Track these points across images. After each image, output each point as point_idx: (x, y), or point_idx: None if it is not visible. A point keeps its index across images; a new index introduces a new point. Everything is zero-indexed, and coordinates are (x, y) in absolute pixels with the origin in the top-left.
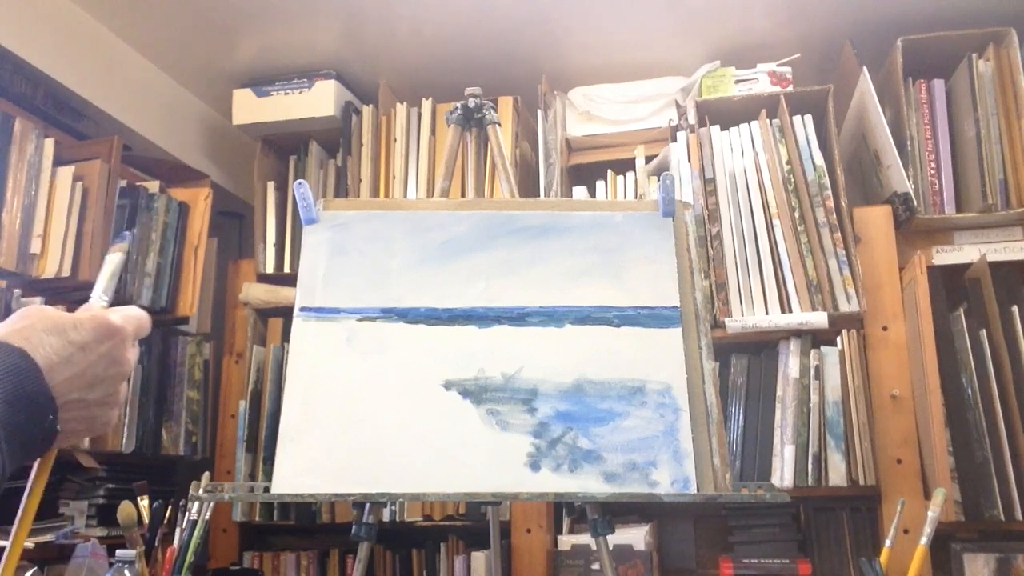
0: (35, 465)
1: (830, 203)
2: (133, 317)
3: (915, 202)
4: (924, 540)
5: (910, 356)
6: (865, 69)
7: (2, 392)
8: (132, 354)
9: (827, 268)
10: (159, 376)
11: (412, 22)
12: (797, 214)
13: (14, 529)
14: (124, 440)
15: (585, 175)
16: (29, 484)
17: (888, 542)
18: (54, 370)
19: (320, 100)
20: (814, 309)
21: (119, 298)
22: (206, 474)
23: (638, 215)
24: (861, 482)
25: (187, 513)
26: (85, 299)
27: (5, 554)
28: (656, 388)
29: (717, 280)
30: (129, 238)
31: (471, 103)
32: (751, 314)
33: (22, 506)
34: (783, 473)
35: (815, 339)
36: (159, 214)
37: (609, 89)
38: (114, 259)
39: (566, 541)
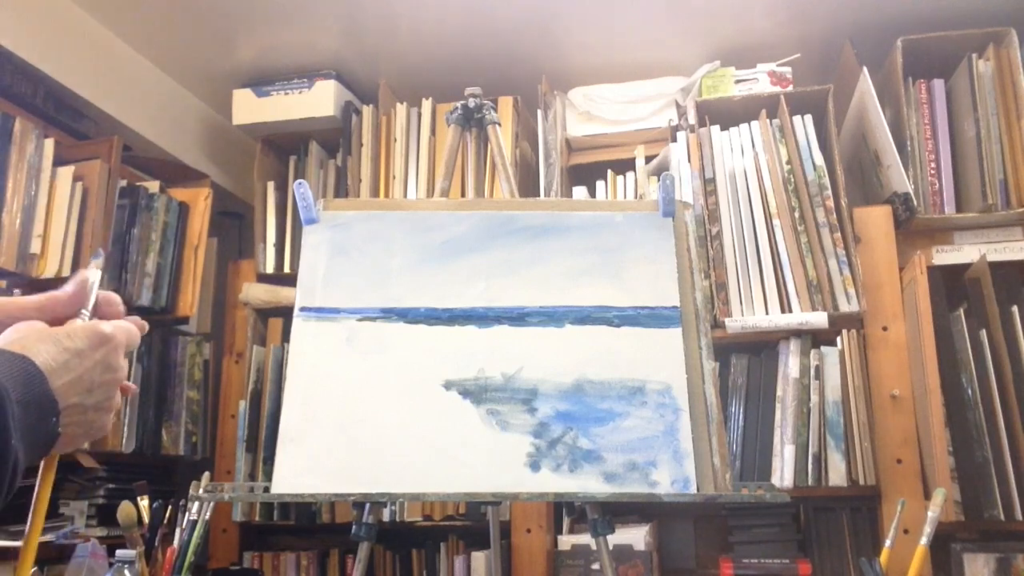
0: (40, 470)
1: (830, 203)
2: (123, 328)
3: (915, 202)
4: (924, 540)
5: (910, 356)
6: (865, 69)
7: (16, 395)
8: (124, 361)
9: (827, 268)
10: (159, 376)
11: (412, 22)
12: (797, 214)
13: (26, 534)
14: (124, 440)
15: (585, 175)
16: (36, 490)
17: (888, 542)
18: (54, 375)
19: (320, 100)
20: (814, 309)
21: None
22: (206, 474)
23: (638, 215)
24: (861, 482)
25: (187, 513)
26: None
27: (20, 558)
28: (656, 388)
29: (717, 280)
30: (103, 255)
31: (471, 103)
32: (751, 314)
33: (32, 513)
34: (783, 473)
35: (815, 339)
36: (159, 214)
37: (609, 89)
38: (92, 275)
39: (566, 541)
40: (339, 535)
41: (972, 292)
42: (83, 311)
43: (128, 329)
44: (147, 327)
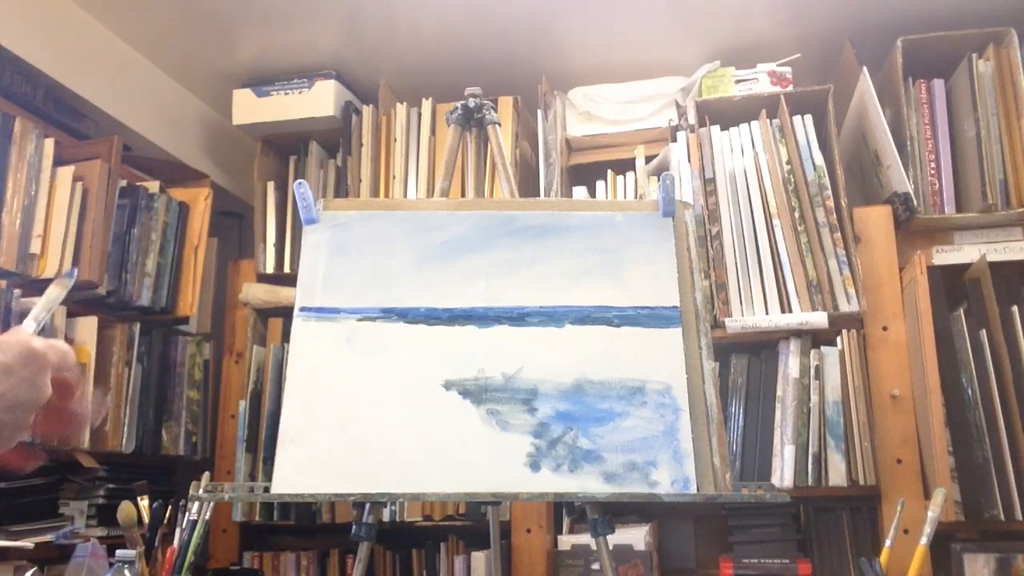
0: None
1: (830, 203)
2: (58, 348)
3: (915, 202)
4: (924, 540)
5: (910, 356)
6: (865, 69)
7: None
8: (49, 383)
9: (827, 268)
10: (159, 376)
11: (412, 22)
12: (797, 214)
13: None
14: (124, 440)
15: (585, 175)
16: None
17: (888, 542)
18: None
19: (320, 100)
20: (814, 309)
21: (119, 298)
22: (206, 474)
23: (638, 215)
24: (861, 482)
25: (187, 513)
26: (85, 299)
27: None
28: (656, 388)
29: (717, 280)
30: (75, 276)
31: (471, 103)
32: (751, 314)
33: None
34: (783, 473)
35: (815, 339)
36: (159, 214)
37: (609, 89)
38: (52, 292)
39: (566, 541)
40: (339, 535)
41: (972, 292)
42: (32, 322)
43: (63, 351)
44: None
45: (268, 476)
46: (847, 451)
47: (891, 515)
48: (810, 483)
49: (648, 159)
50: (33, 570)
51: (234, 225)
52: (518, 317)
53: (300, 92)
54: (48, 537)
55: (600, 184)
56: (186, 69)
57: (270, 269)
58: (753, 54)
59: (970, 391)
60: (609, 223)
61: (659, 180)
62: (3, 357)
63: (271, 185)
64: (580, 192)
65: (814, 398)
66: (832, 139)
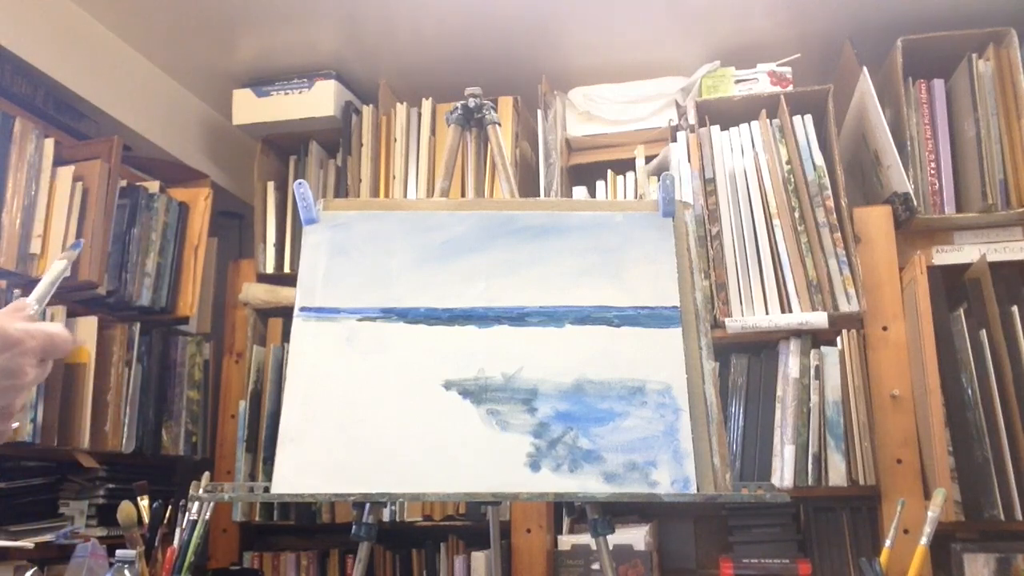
0: None
1: (830, 203)
2: (41, 332)
3: (915, 202)
4: (924, 540)
5: (910, 356)
6: (865, 69)
7: None
8: (33, 368)
9: (827, 268)
10: (159, 376)
11: (412, 22)
12: (797, 214)
13: None
14: (124, 440)
15: (585, 175)
16: None
17: (888, 542)
18: None
19: (320, 100)
20: (814, 309)
21: (119, 298)
22: (206, 474)
23: (638, 215)
24: (861, 482)
25: (187, 513)
26: (85, 299)
27: None
28: (656, 388)
29: (717, 280)
30: (81, 246)
31: (471, 103)
32: (751, 314)
33: None
34: (783, 473)
35: (815, 339)
36: (159, 214)
37: (609, 89)
38: (58, 266)
39: (566, 541)
40: (339, 535)
41: (972, 292)
42: (34, 303)
43: (49, 334)
44: (71, 339)
45: (268, 476)
46: (847, 451)
47: (891, 515)
48: (810, 483)
49: (648, 159)
50: (33, 570)
51: (234, 225)
52: (518, 317)
53: (300, 92)
54: (48, 537)
55: (600, 184)
56: (186, 69)
57: (270, 269)
58: (753, 54)
59: (970, 391)
60: (609, 223)
61: (659, 180)
62: None
63: (271, 185)
64: (580, 192)
65: (814, 398)
66: (832, 139)
